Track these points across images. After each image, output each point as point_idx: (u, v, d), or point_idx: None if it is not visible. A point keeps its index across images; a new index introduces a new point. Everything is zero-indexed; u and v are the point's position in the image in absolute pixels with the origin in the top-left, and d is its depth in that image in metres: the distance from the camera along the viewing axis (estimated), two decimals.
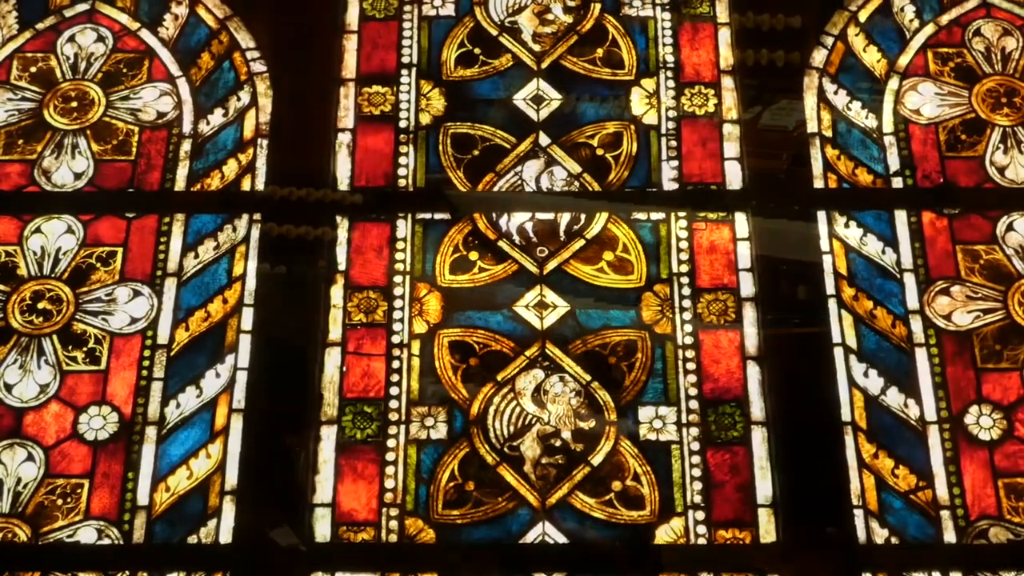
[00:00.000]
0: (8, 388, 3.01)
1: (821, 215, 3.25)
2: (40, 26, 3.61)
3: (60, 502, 2.85)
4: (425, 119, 3.46)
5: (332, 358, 3.06)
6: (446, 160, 3.39)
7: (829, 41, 3.55)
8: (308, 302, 3.12)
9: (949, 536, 2.80)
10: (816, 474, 2.86)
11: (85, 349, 3.06)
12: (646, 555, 2.84)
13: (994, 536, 2.80)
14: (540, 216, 3.30)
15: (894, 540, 2.80)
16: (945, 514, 2.82)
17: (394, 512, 2.86)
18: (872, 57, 3.54)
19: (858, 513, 2.82)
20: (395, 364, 3.06)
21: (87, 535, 2.82)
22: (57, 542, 2.82)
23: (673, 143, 3.41)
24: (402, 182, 3.35)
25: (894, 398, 2.98)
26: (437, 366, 3.06)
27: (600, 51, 3.58)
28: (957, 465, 2.88)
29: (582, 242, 3.24)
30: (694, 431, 2.95)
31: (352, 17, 3.62)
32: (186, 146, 3.42)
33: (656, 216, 3.29)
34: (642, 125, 3.46)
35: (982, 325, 3.08)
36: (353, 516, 2.86)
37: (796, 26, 3.51)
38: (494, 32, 3.60)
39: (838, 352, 3.04)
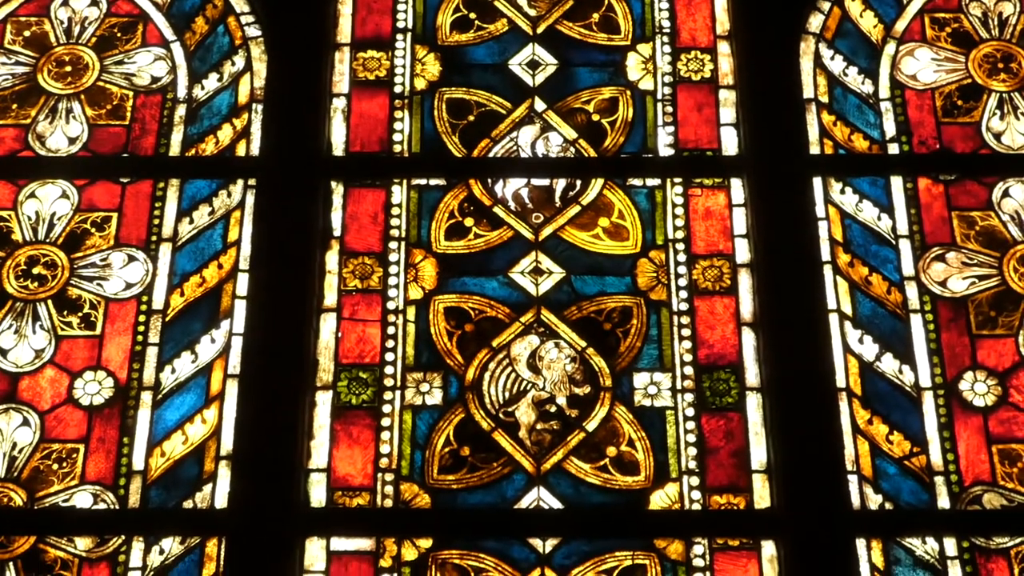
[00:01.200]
0: (3, 353, 2.96)
1: (817, 181, 3.19)
2: None
3: (56, 467, 2.82)
4: (420, 84, 3.39)
5: (327, 324, 3.02)
6: (441, 126, 3.32)
7: (826, 6, 3.47)
8: (303, 268, 3.06)
9: (943, 502, 2.77)
10: (811, 440, 2.81)
11: (80, 314, 3.01)
12: (641, 520, 2.81)
13: (988, 502, 2.77)
14: (535, 182, 3.24)
15: (888, 506, 2.77)
16: (939, 480, 2.79)
17: (389, 477, 2.83)
18: (869, 22, 3.47)
19: (852, 479, 2.79)
20: (390, 330, 3.01)
21: (83, 500, 2.79)
22: (53, 506, 2.78)
23: (669, 109, 3.35)
24: (397, 148, 3.29)
25: (889, 364, 2.94)
26: (432, 332, 3.01)
27: (596, 16, 3.50)
28: (951, 431, 2.85)
29: (577, 208, 3.19)
30: (689, 397, 2.91)
31: None
32: (180, 111, 3.35)
33: (652, 182, 3.23)
34: (638, 90, 3.39)
35: (977, 291, 3.03)
36: (348, 481, 2.82)
37: None
38: None
39: (833, 318, 2.99)
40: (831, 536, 2.71)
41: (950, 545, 2.72)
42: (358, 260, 3.09)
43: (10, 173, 3.26)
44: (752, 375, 2.93)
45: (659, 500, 2.80)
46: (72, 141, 3.30)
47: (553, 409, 2.89)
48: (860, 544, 2.71)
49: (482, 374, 2.93)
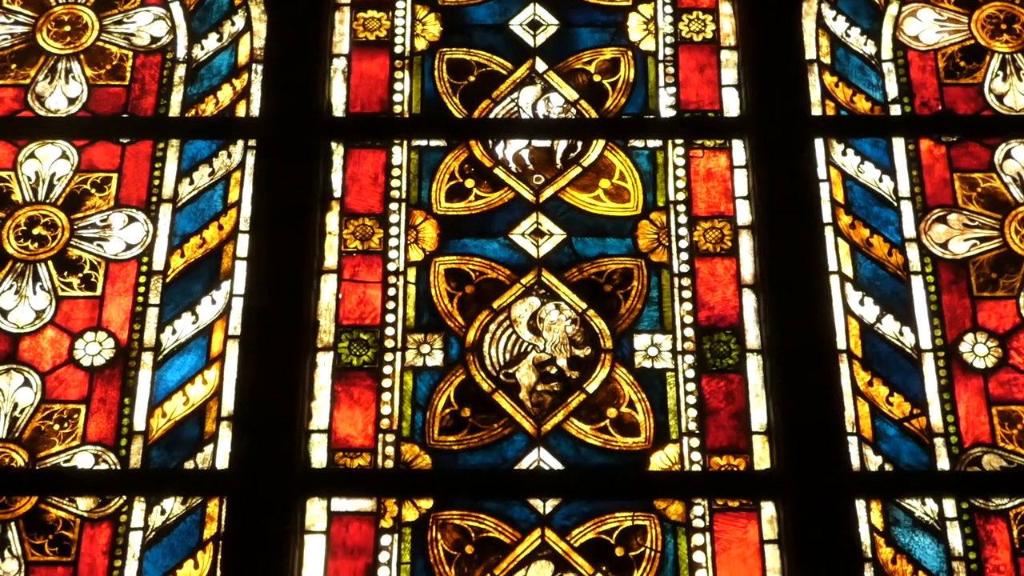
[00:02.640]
0: (4, 314, 2.90)
1: (818, 143, 3.11)
2: None
3: (57, 427, 2.77)
4: (421, 44, 3.31)
5: (328, 285, 2.96)
6: (442, 86, 3.24)
7: None
8: (304, 229, 2.99)
9: (942, 463, 2.73)
10: (811, 402, 2.76)
11: (80, 275, 2.95)
12: (641, 481, 2.77)
13: (987, 463, 2.72)
14: (536, 143, 3.17)
15: (888, 467, 2.72)
16: (939, 441, 2.75)
17: (390, 438, 2.79)
18: None
19: (852, 440, 2.74)
20: (391, 291, 2.95)
21: (84, 460, 2.74)
22: (54, 467, 2.74)
23: (671, 69, 3.27)
24: (397, 108, 3.21)
25: (889, 326, 2.88)
26: (433, 293, 2.95)
27: None
28: (951, 393, 2.80)
29: (578, 170, 3.11)
30: (689, 359, 2.86)
31: None
32: (180, 71, 3.27)
33: (653, 143, 3.16)
34: (639, 51, 3.31)
35: (978, 253, 2.97)
36: (349, 442, 2.78)
37: None
38: None
39: (834, 280, 2.93)
40: (831, 497, 2.66)
41: (949, 506, 2.67)
42: (358, 221, 3.03)
43: (10, 133, 3.18)
44: (752, 337, 2.88)
45: (659, 461, 2.75)
46: (72, 101, 3.23)
47: (554, 371, 2.84)
48: (859, 505, 2.67)
49: (483, 336, 2.87)
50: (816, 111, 3.18)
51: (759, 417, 2.78)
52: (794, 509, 2.64)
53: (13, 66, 3.27)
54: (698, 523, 2.67)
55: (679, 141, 3.15)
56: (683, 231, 3.01)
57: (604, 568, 2.64)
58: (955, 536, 2.64)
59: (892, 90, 3.22)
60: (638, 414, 2.79)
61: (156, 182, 3.09)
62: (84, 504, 2.68)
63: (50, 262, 2.96)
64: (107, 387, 2.82)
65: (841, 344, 2.85)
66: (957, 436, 2.75)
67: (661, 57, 3.29)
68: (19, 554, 2.62)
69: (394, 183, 3.09)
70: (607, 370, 2.84)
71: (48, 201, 3.05)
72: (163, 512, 2.68)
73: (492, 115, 3.22)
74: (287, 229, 2.99)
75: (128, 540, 2.65)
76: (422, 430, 2.80)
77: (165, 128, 3.19)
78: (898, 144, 3.12)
